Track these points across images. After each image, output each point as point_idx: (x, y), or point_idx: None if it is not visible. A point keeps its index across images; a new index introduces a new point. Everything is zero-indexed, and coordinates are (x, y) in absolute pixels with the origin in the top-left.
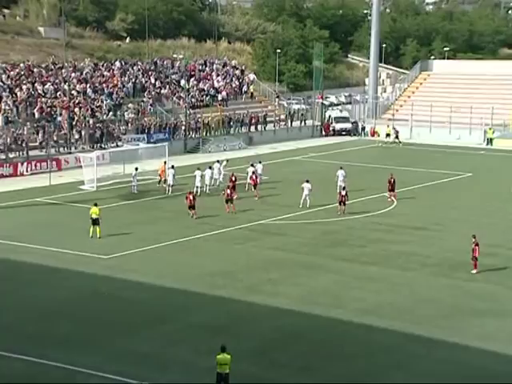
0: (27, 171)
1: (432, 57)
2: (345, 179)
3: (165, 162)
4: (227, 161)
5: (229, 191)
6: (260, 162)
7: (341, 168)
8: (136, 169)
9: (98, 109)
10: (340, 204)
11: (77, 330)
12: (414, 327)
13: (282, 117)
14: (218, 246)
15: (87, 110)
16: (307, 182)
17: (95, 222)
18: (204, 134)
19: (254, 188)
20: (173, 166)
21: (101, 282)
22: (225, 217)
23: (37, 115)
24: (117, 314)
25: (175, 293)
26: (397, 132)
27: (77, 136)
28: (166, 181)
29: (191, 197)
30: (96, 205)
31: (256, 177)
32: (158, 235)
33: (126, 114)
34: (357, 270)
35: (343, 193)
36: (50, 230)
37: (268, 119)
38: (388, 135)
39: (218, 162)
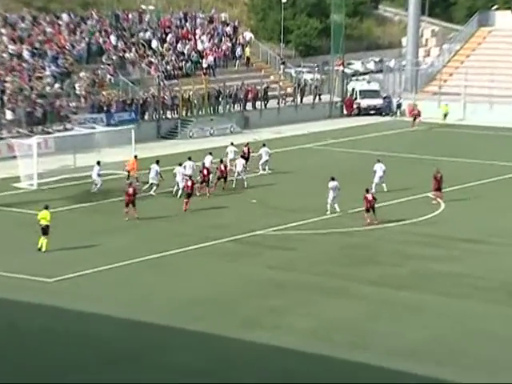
0: None
1: (494, 6)
2: (384, 175)
3: (135, 157)
4: (232, 144)
5: (189, 183)
6: (264, 145)
7: (378, 161)
8: (98, 163)
9: (38, 79)
10: (368, 211)
11: (21, 375)
12: (466, 373)
13: (289, 90)
14: (203, 264)
15: (24, 80)
16: (333, 179)
17: (45, 231)
18: (184, 113)
19: (224, 181)
20: (158, 162)
21: (44, 314)
22: (211, 225)
23: None
24: (69, 355)
25: (145, 327)
26: (418, 112)
27: (10, 116)
28: (135, 178)
29: (131, 190)
30: (47, 208)
31: (225, 167)
32: (124, 250)
33: (77, 86)
34: (388, 296)
35: (369, 197)
36: None
37: (270, 94)
38: (445, 115)
39: (210, 154)
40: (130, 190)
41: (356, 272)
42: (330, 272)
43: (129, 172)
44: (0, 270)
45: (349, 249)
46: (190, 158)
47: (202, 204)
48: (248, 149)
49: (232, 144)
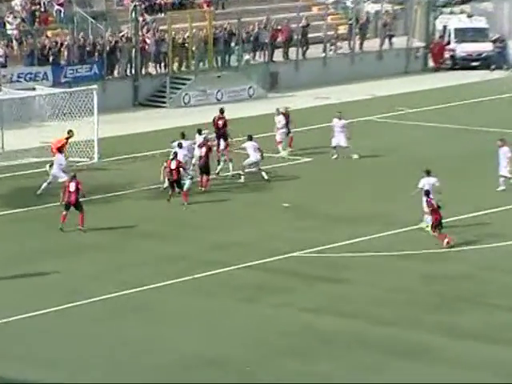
0: None
1: None
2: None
3: (69, 132)
4: (279, 112)
5: (173, 165)
6: (340, 115)
7: (503, 143)
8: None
9: None
10: (437, 226)
11: None
12: None
13: (342, 30)
14: (204, 304)
15: None
16: (428, 174)
17: None
18: (175, 67)
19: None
20: (183, 137)
21: None
22: (219, 243)
23: None
24: None
25: None
26: None
27: None
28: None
29: (72, 186)
30: None
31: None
32: (80, 282)
33: (7, 23)
34: (498, 355)
35: (434, 202)
36: None
37: (311, 36)
38: None
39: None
40: (72, 186)
41: (447, 319)
42: (410, 319)
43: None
44: None
45: (436, 281)
46: (200, 132)
47: (204, 211)
48: (287, 116)
49: (279, 112)
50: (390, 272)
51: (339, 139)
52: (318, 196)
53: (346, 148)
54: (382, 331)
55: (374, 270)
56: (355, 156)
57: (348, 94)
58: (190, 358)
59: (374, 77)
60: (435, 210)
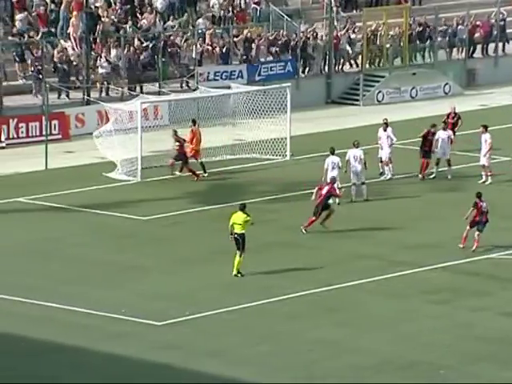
0: (1, 140)
1: None
2: None
3: (194, 122)
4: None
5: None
6: None
7: None
8: (333, 152)
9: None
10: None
11: None
12: None
13: None
14: (396, 306)
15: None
16: None
17: (239, 243)
18: (369, 63)
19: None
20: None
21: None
22: (409, 244)
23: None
24: None
25: None
26: None
27: (104, 67)
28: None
29: (326, 188)
30: (243, 209)
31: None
32: (273, 279)
33: (200, 22)
34: None
35: (484, 204)
36: (54, 266)
37: (511, 31)
38: None
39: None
40: (325, 189)
41: None
42: None
43: (193, 153)
44: (96, 308)
45: None
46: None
47: (398, 212)
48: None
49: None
50: None
51: None
52: None
53: None
54: None
55: None
56: None
57: None
58: (383, 360)
59: None
60: (480, 209)
